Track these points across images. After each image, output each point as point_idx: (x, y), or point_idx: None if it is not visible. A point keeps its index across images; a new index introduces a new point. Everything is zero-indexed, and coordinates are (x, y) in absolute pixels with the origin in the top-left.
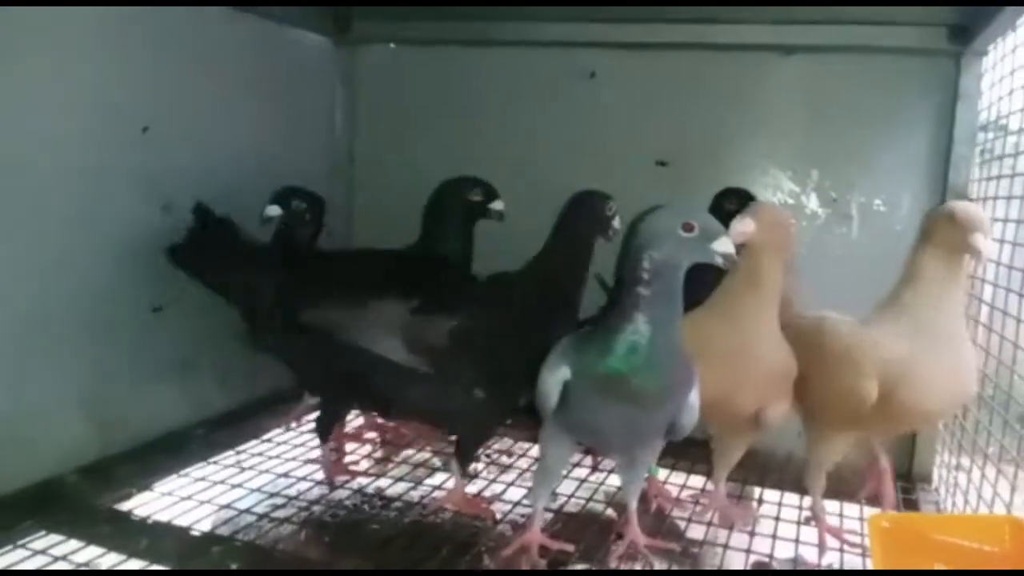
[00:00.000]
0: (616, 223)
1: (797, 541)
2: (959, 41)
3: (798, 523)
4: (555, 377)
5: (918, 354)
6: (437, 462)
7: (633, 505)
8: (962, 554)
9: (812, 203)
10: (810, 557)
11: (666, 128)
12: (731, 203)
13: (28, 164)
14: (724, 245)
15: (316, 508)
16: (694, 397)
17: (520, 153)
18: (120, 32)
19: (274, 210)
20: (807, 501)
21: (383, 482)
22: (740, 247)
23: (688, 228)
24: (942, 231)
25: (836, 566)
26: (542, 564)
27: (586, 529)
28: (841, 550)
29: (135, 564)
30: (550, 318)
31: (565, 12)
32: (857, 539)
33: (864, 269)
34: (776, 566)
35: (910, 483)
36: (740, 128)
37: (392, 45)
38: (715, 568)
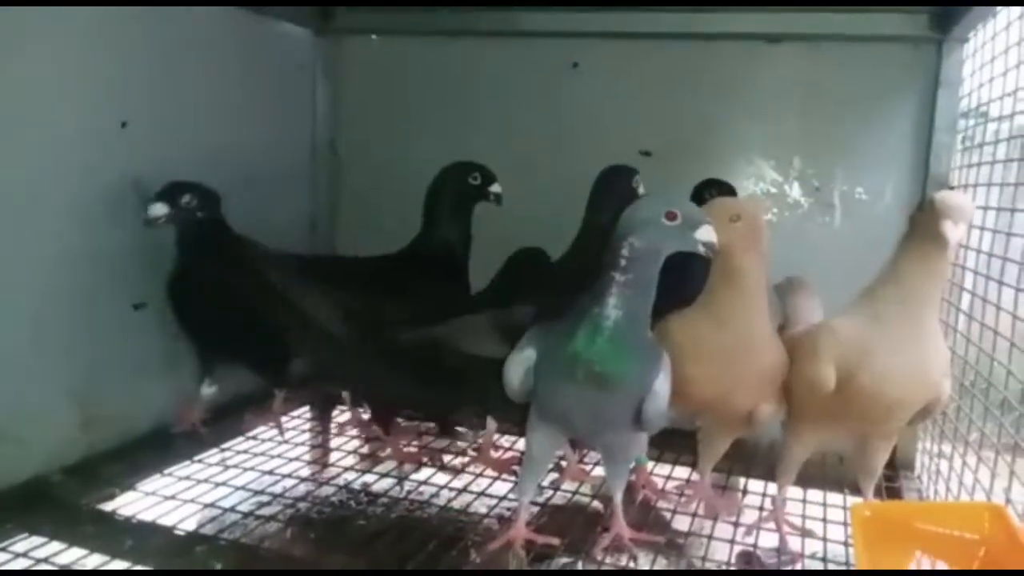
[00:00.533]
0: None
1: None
2: (941, 28)
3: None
4: (520, 358)
5: (878, 342)
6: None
7: (618, 498)
8: (943, 542)
9: (795, 192)
10: (794, 546)
11: (650, 118)
12: (711, 194)
13: (13, 161)
14: (706, 234)
15: (302, 505)
16: (661, 385)
17: (504, 143)
18: (100, 28)
19: (159, 208)
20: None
21: (369, 478)
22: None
23: (671, 216)
24: (922, 220)
25: (820, 554)
26: (525, 560)
27: (572, 522)
28: (823, 539)
29: (119, 564)
30: None
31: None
32: (820, 529)
33: (847, 258)
34: (761, 556)
35: (893, 471)
36: (724, 117)
37: (374, 36)
38: (700, 557)
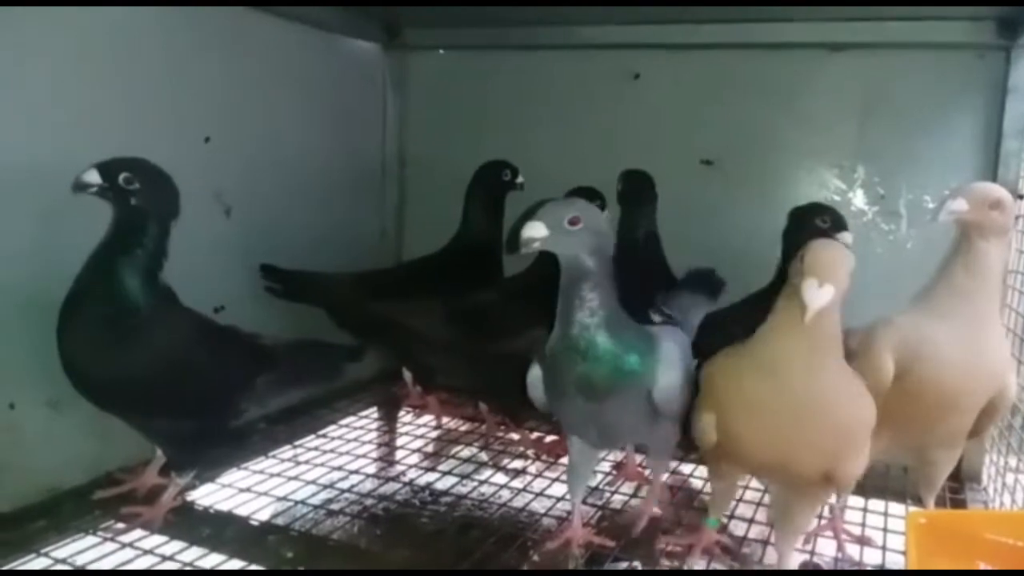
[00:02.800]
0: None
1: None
2: (1008, 35)
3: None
4: (531, 377)
5: (935, 333)
6: (484, 457)
7: (658, 483)
8: (1002, 551)
9: (859, 200)
10: (853, 554)
11: (711, 127)
12: (824, 221)
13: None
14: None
15: (368, 501)
16: (666, 370)
17: (566, 154)
18: (179, 42)
19: (90, 175)
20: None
21: (432, 476)
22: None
23: (573, 222)
24: (984, 216)
25: (878, 564)
26: (580, 560)
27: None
28: (883, 548)
29: (196, 552)
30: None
31: (609, 15)
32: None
33: (913, 267)
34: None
35: (958, 483)
36: (786, 126)
37: (441, 51)
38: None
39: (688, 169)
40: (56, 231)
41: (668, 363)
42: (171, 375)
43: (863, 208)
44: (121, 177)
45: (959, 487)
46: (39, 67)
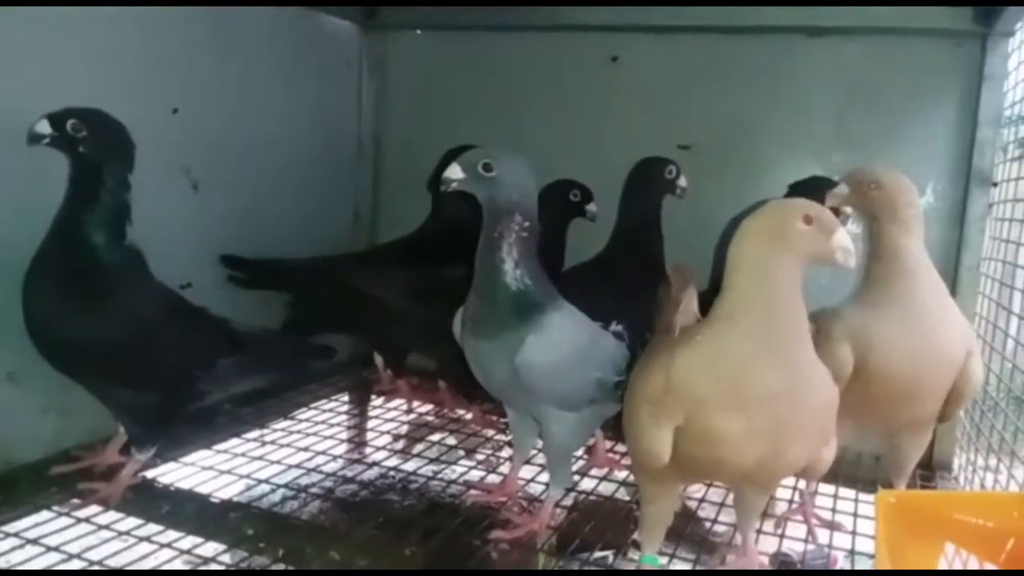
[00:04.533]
0: (682, 182)
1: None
2: (985, 22)
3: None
4: (457, 315)
5: (877, 322)
6: (453, 440)
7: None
8: (970, 532)
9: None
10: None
11: (689, 112)
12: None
13: None
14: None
15: (335, 482)
16: (538, 352)
17: (544, 137)
18: (154, 18)
19: (41, 126)
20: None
21: (400, 460)
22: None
23: (487, 168)
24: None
25: (848, 548)
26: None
27: (612, 517)
28: (852, 533)
29: (154, 528)
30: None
31: None
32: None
33: None
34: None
35: (930, 471)
36: (763, 112)
37: (418, 31)
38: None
39: (666, 154)
40: (13, 202)
41: (545, 336)
42: (130, 339)
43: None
44: (69, 124)
45: (930, 475)
46: (9, 31)
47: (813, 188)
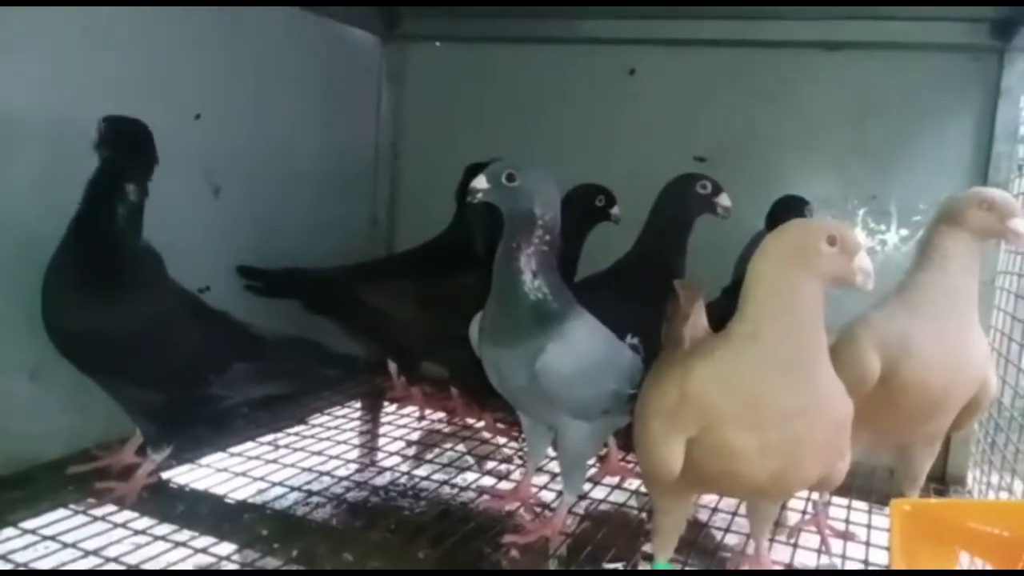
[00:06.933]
0: (722, 200)
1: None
2: (1002, 37)
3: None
4: (473, 322)
5: (918, 331)
6: (463, 448)
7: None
8: (985, 540)
9: (851, 200)
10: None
11: (706, 124)
12: (810, 212)
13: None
14: None
15: (347, 487)
16: (558, 360)
17: (561, 148)
18: (181, 24)
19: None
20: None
21: (412, 466)
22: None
23: (510, 178)
24: (974, 216)
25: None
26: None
27: (622, 525)
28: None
29: (168, 527)
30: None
31: (606, 9)
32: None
33: (902, 265)
34: None
35: (943, 484)
36: (780, 124)
37: (437, 43)
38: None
39: (681, 166)
40: (37, 200)
41: (566, 344)
42: (138, 335)
43: (855, 207)
44: (97, 129)
45: (944, 489)
46: (43, 36)
47: (791, 207)
